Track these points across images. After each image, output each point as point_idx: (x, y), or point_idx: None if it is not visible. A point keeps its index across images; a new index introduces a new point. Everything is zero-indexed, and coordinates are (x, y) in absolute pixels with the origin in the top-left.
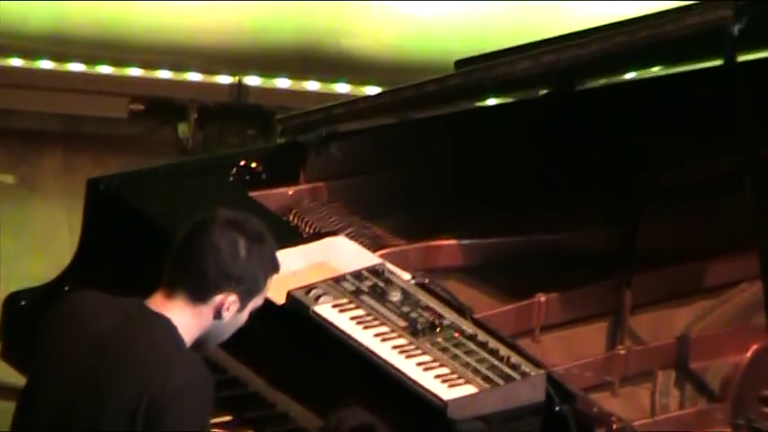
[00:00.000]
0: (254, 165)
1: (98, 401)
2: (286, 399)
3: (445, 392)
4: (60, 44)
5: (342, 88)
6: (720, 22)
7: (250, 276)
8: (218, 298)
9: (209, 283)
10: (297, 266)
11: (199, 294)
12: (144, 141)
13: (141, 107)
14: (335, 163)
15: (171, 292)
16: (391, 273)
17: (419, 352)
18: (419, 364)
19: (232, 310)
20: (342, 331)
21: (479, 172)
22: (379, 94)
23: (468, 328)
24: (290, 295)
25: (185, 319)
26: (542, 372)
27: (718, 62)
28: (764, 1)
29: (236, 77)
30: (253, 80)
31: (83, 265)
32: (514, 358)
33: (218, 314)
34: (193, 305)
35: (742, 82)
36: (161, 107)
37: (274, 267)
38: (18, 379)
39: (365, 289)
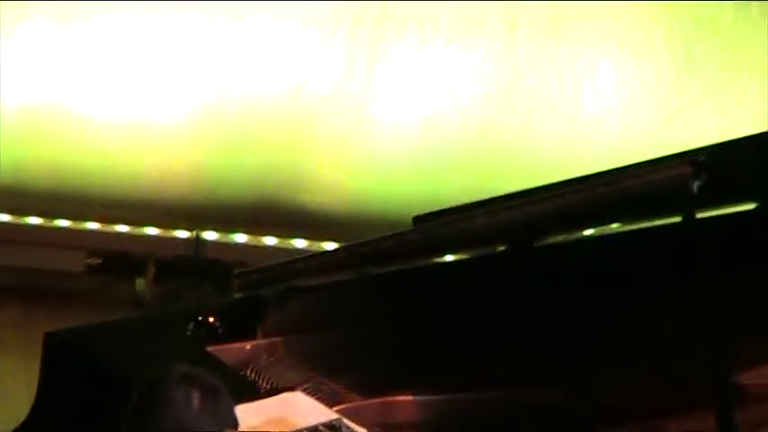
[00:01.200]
0: (211, 319)
1: None
2: None
3: None
4: (17, 197)
5: (299, 243)
6: (679, 179)
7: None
8: None
9: None
10: (254, 422)
11: None
12: (102, 295)
13: (99, 261)
14: (293, 318)
15: None
16: (348, 428)
17: None
18: None
19: None
20: None
21: (437, 328)
22: (337, 249)
23: None
24: None
25: None
26: None
27: (677, 219)
28: (724, 159)
29: (194, 232)
30: (210, 235)
31: (39, 421)
32: None
33: None
34: None
35: (701, 239)
36: (118, 261)
37: (232, 423)
38: None
39: None
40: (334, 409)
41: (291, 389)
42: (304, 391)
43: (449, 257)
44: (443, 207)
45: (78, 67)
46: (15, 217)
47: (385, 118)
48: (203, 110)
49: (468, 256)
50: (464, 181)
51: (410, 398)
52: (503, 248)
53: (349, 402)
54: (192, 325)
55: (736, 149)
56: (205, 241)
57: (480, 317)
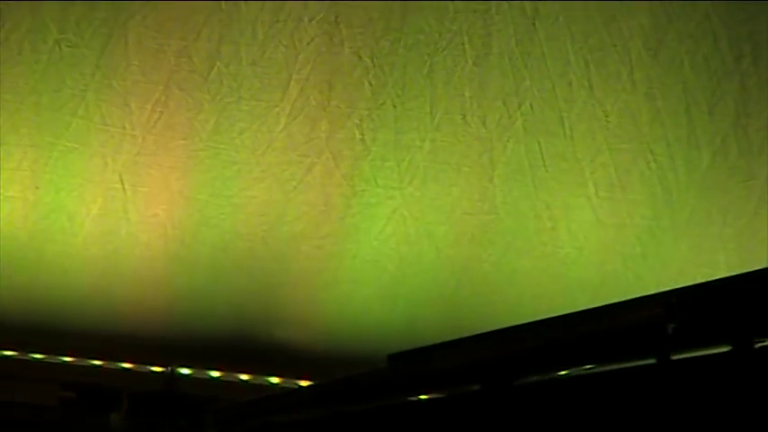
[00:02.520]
0: None
1: None
2: None
3: None
4: None
5: (274, 380)
6: (654, 320)
7: None
8: None
9: None
10: None
11: None
12: (74, 429)
13: (72, 395)
14: None
15: None
16: None
17: None
18: None
19: None
20: None
21: None
22: (311, 386)
23: None
24: None
25: None
26: None
27: (652, 361)
28: (699, 300)
29: (168, 367)
30: (185, 370)
31: None
32: None
33: None
34: None
35: (677, 381)
36: (92, 395)
37: None
38: None
39: None
40: None
41: None
42: None
43: (424, 396)
44: (419, 345)
45: (53, 201)
46: None
47: (361, 255)
48: (178, 245)
49: (443, 395)
50: (440, 319)
51: None
52: (478, 387)
53: None
54: None
55: (711, 291)
56: (179, 376)
57: None
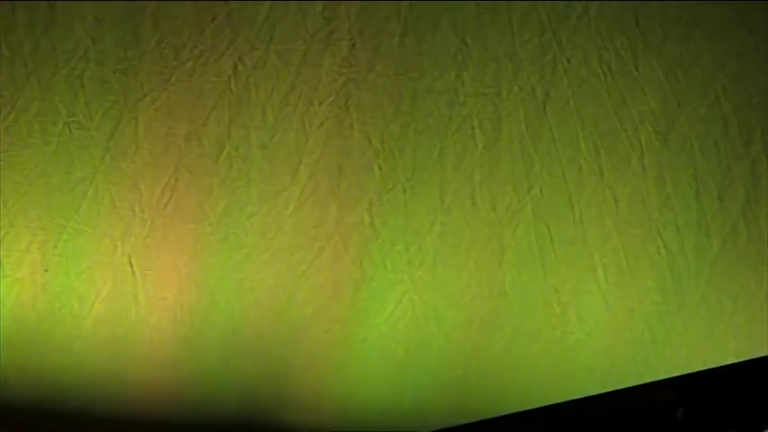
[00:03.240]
0: None
1: None
2: None
3: None
4: None
5: None
6: (663, 405)
7: None
8: None
9: None
10: None
11: None
12: None
13: None
14: None
15: None
16: None
17: None
18: None
19: None
20: None
21: None
22: None
23: None
24: None
25: None
26: None
27: None
28: (708, 386)
29: None
30: None
31: None
32: None
33: None
34: None
35: None
36: None
37: None
38: None
39: None
40: None
41: None
42: None
43: None
44: (428, 429)
45: (62, 283)
46: None
47: (370, 339)
48: (188, 329)
49: None
50: (449, 403)
51: None
52: None
53: None
54: None
55: (720, 377)
56: None
57: None
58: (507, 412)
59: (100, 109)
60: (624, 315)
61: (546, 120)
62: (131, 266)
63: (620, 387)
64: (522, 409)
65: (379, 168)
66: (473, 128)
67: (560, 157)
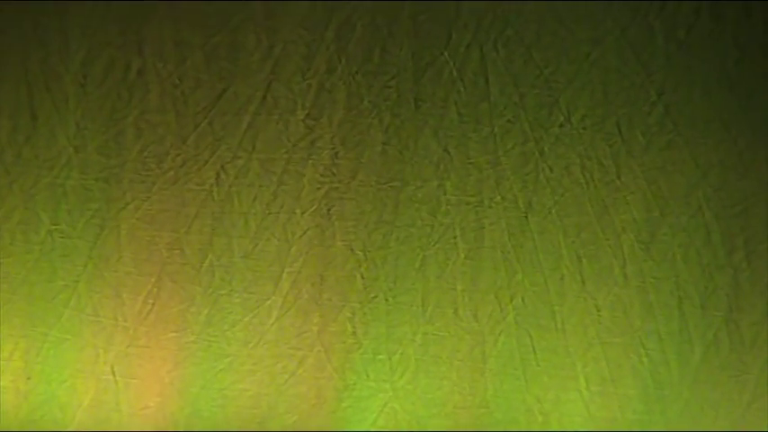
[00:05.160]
0: None
1: None
2: None
3: None
4: None
5: None
6: None
7: None
8: None
9: None
10: None
11: None
12: None
13: None
14: None
15: None
16: None
17: None
18: None
19: None
20: None
21: None
22: None
23: None
24: None
25: None
26: None
27: None
28: None
29: None
30: None
31: None
32: None
33: None
34: None
35: None
36: None
37: None
38: None
39: None
40: None
41: None
42: None
43: None
44: None
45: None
46: None
47: None
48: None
49: None
50: None
51: None
52: None
53: None
54: None
55: None
56: None
57: None
58: None
59: (82, 217)
60: (606, 424)
61: (528, 228)
62: (114, 375)
63: None
64: None
65: (362, 277)
66: (455, 237)
67: (542, 265)
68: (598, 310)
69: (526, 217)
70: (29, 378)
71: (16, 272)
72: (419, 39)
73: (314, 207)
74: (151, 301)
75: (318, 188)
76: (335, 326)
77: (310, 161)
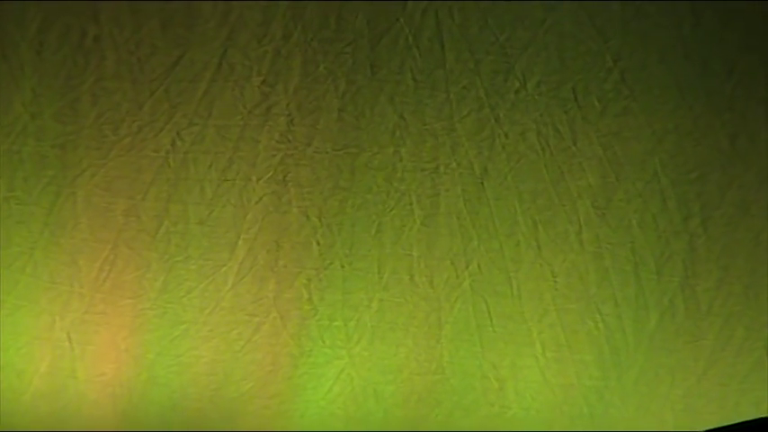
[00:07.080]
0: None
1: None
2: None
3: None
4: None
5: None
6: None
7: None
8: None
9: None
10: None
11: None
12: None
13: None
14: None
15: None
16: None
17: None
18: None
19: None
20: None
21: None
22: None
23: None
24: None
25: None
26: None
27: None
28: None
29: None
30: None
31: None
32: None
33: None
34: None
35: None
36: None
37: None
38: None
39: None
40: None
41: None
42: None
43: None
44: None
45: (1, 359)
46: None
47: (308, 415)
48: (126, 404)
49: None
50: None
51: None
52: None
53: None
54: None
55: None
56: None
57: None
58: None
59: (38, 184)
60: (562, 390)
61: (484, 195)
62: (70, 342)
63: None
64: None
65: (318, 244)
66: (411, 203)
67: (498, 232)
68: (554, 277)
69: (482, 183)
70: None
71: None
72: (375, 5)
73: (270, 174)
74: (107, 267)
75: (274, 155)
76: (291, 292)
77: (266, 127)
